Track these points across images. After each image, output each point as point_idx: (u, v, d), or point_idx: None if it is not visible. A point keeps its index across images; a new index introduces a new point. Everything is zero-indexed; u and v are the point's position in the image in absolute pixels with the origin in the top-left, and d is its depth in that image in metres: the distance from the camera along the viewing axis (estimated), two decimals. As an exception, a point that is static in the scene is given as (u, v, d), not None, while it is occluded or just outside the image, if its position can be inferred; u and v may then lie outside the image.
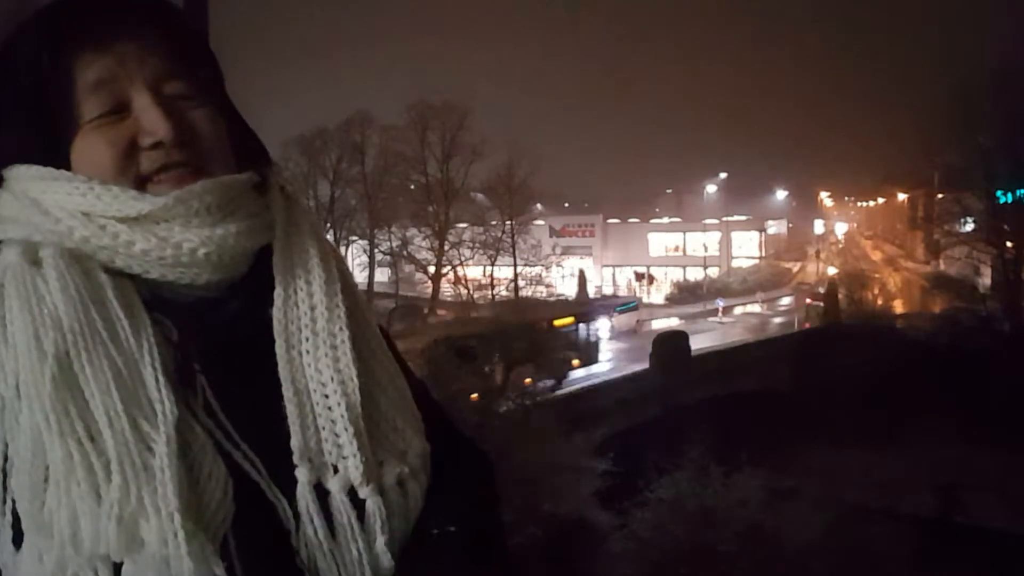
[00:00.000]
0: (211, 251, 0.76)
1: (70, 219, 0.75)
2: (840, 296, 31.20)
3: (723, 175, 58.92)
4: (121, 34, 0.77)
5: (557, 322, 23.70)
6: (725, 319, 35.23)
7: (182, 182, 0.77)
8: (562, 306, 27.54)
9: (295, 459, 0.76)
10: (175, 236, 0.75)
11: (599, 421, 18.24)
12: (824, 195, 76.92)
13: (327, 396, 0.78)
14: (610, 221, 53.82)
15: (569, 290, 38.69)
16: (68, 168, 0.77)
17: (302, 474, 0.75)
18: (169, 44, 0.80)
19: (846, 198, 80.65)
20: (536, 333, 21.78)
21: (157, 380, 0.71)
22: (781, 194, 63.02)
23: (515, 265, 34.12)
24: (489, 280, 34.26)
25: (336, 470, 0.76)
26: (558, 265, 37.44)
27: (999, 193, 26.15)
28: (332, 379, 0.79)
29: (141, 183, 0.76)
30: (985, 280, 27.66)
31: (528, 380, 19.10)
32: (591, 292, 40.54)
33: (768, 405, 20.43)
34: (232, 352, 0.79)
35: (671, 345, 23.81)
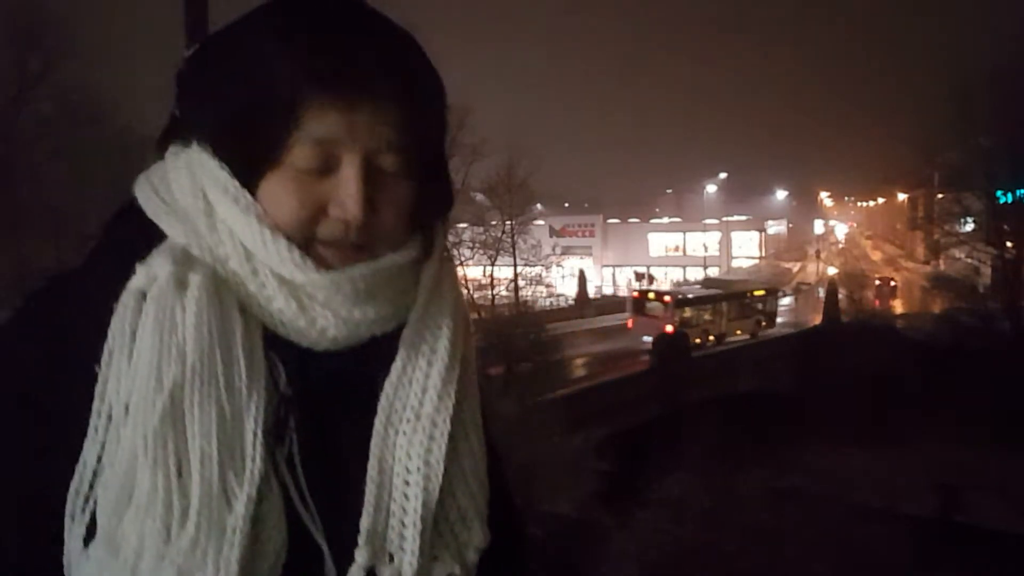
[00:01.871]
0: (340, 335, 0.77)
1: (232, 248, 0.76)
2: (840, 296, 31.22)
3: (723, 175, 58.99)
4: (364, 98, 0.74)
5: (756, 292, 29.89)
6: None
7: (345, 259, 0.77)
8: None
9: (360, 539, 0.76)
10: (313, 311, 0.76)
11: (599, 421, 18.23)
12: (824, 195, 76.94)
13: (408, 484, 0.78)
14: (610, 221, 53.88)
15: (569, 290, 38.71)
16: (253, 191, 0.76)
17: (361, 556, 0.76)
18: (405, 111, 0.77)
19: (846, 198, 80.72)
20: (536, 333, 21.90)
21: (255, 435, 0.72)
22: (781, 194, 63.07)
23: (515, 265, 34.09)
24: (489, 280, 34.23)
25: (392, 558, 0.77)
26: (558, 265, 37.39)
27: (999, 193, 26.12)
28: (418, 469, 0.78)
29: (310, 241, 0.76)
30: (985, 280, 27.64)
31: (738, 332, 27.25)
32: (591, 292, 40.53)
33: (768, 405, 20.42)
34: (330, 407, 0.79)
35: (671, 345, 23.80)
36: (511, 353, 19.34)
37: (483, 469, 0.85)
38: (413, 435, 0.79)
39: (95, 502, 0.71)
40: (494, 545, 0.85)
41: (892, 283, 39.18)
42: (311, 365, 0.78)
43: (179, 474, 0.70)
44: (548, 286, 35.54)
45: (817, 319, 31.45)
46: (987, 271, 27.74)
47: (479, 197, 36.48)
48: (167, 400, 0.70)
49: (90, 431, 0.71)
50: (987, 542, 14.54)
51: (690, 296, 28.71)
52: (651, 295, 28.38)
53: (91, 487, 0.71)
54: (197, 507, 0.69)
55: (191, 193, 0.77)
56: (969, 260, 27.99)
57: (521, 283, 34.11)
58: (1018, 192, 25.85)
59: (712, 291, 29.86)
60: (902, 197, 53.02)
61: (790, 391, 21.84)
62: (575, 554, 13.76)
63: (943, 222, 30.95)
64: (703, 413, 17.73)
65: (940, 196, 32.19)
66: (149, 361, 0.71)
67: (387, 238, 0.79)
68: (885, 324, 27.59)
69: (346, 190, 0.75)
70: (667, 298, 27.32)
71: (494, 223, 34.76)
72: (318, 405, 0.78)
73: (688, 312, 27.16)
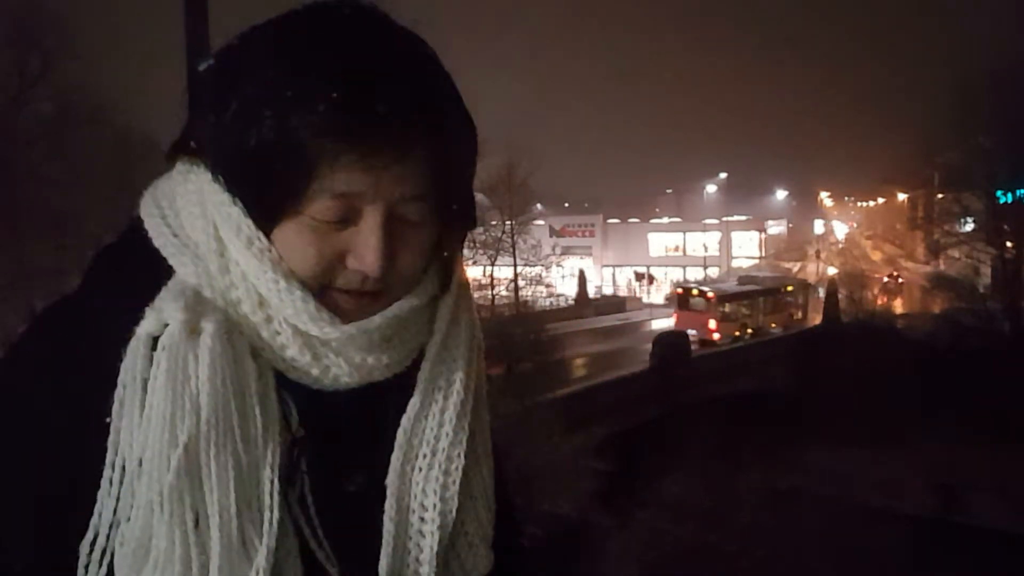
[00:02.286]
0: (353, 382, 0.76)
1: (245, 292, 0.73)
2: (840, 296, 31.21)
3: (723, 175, 59.02)
4: (390, 152, 0.70)
5: (788, 287, 32.37)
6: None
7: (362, 306, 0.75)
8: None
9: None
10: (328, 359, 0.74)
11: (599, 421, 18.23)
12: (824, 195, 76.95)
13: (424, 521, 0.78)
14: (610, 221, 53.88)
15: (569, 290, 38.71)
16: (267, 234, 0.72)
17: None
18: (433, 164, 0.73)
19: (846, 198, 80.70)
20: (536, 333, 21.92)
21: (272, 483, 0.70)
22: (781, 194, 63.06)
23: (515, 265, 34.08)
24: (489, 280, 34.22)
25: None
26: (558, 265, 37.39)
27: (999, 193, 26.12)
28: (435, 506, 0.78)
29: (324, 288, 0.74)
30: (985, 280, 27.64)
31: (773, 325, 29.11)
32: (591, 292, 40.54)
33: (768, 405, 20.41)
34: (342, 445, 0.78)
35: (671, 345, 23.81)
36: (511, 353, 19.33)
37: (492, 494, 0.85)
38: (429, 471, 0.78)
39: (111, 555, 0.69)
40: (496, 560, 0.85)
41: (899, 279, 39.57)
42: (322, 404, 0.76)
43: (196, 527, 0.68)
44: (548, 286, 35.54)
45: (817, 319, 31.45)
46: (987, 271, 27.75)
47: (479, 197, 36.42)
48: (182, 455, 0.68)
49: (103, 484, 0.69)
50: (987, 542, 14.54)
51: (731, 292, 30.19)
52: (694, 292, 29.32)
53: (108, 539, 0.69)
54: (218, 563, 0.68)
55: (202, 229, 0.74)
56: (969, 260, 27.99)
57: (521, 283, 34.10)
58: (1018, 192, 25.85)
59: (750, 287, 31.33)
60: (902, 197, 53.01)
61: (790, 391, 21.83)
62: (575, 554, 13.76)
63: (943, 222, 30.96)
64: (703, 413, 17.73)
65: (940, 196, 32.20)
66: (162, 415, 0.68)
67: (404, 283, 0.77)
68: (885, 324, 27.59)
69: (366, 243, 0.72)
70: (710, 294, 28.56)
71: (494, 223, 34.76)
72: (329, 443, 0.76)
73: (728, 307, 28.84)
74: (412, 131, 0.70)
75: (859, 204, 79.95)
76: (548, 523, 13.46)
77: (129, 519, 0.68)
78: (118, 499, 0.69)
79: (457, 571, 0.81)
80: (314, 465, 0.75)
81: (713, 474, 14.44)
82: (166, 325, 0.70)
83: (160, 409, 0.68)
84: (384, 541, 0.76)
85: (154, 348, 0.69)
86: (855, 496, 15.85)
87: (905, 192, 50.38)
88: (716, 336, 27.10)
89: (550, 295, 35.80)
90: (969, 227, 28.70)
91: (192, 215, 0.75)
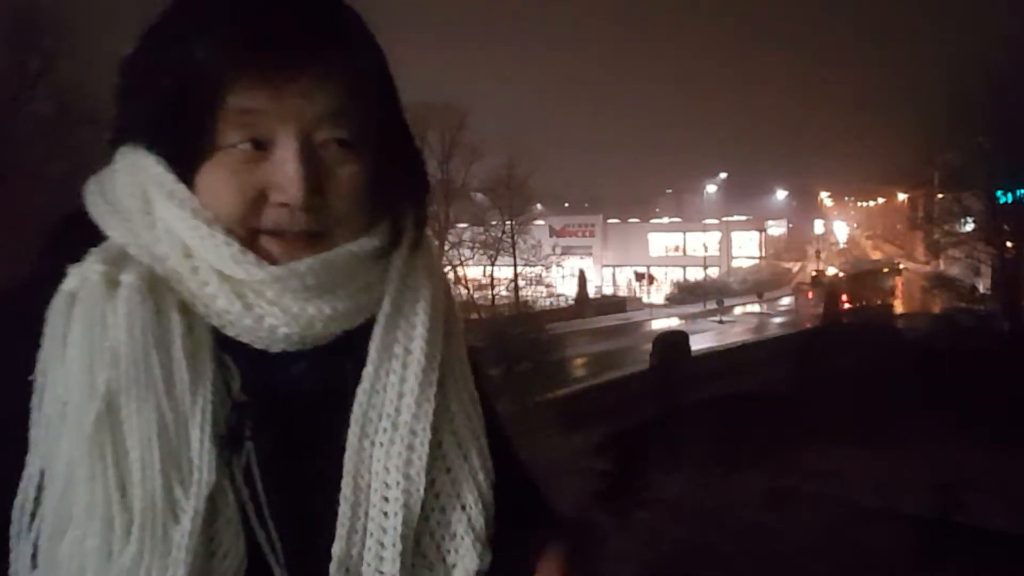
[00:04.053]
0: (292, 332, 0.71)
1: (170, 245, 0.71)
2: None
3: (723, 175, 59.01)
4: (289, 65, 0.68)
5: (885, 269, 38.35)
6: (725, 319, 35.21)
7: (294, 250, 0.71)
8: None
9: (332, 567, 0.70)
10: (260, 307, 0.70)
11: (599, 421, 18.23)
12: (824, 195, 76.94)
13: (387, 500, 0.72)
14: (610, 221, 53.89)
15: (569, 290, 38.73)
16: (190, 184, 0.71)
17: None
18: (344, 77, 0.71)
19: (846, 198, 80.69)
20: (536, 333, 21.93)
21: (202, 443, 0.67)
22: (781, 194, 63.06)
23: (515, 265, 34.08)
24: (489, 280, 34.22)
25: None
26: (558, 265, 37.41)
27: (999, 193, 26.13)
28: (398, 483, 0.72)
29: (254, 233, 0.71)
30: (985, 280, 27.64)
31: (878, 300, 33.72)
32: (591, 292, 40.56)
33: (768, 405, 20.41)
34: (294, 418, 0.72)
35: (671, 345, 23.81)
36: (511, 353, 19.34)
37: (486, 482, 0.78)
38: (391, 447, 0.72)
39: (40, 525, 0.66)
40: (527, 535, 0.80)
41: (824, 273, 42.42)
42: (273, 369, 0.72)
43: (120, 487, 0.65)
44: (548, 286, 35.57)
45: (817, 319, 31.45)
46: (987, 271, 27.75)
47: (479, 197, 36.50)
48: (101, 406, 0.65)
49: (31, 444, 0.67)
50: (987, 542, 14.54)
51: (853, 273, 37.96)
52: (828, 273, 38.73)
53: (36, 503, 0.67)
54: (140, 522, 0.65)
55: (132, 192, 0.73)
56: (969, 260, 28.00)
57: (521, 283, 34.13)
58: (1018, 192, 25.85)
59: (864, 269, 39.25)
60: (902, 197, 53.02)
61: (790, 391, 21.83)
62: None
63: (943, 222, 30.94)
64: (703, 413, 17.73)
65: (940, 196, 32.20)
66: (81, 365, 0.66)
67: (343, 225, 0.73)
68: (885, 324, 27.59)
69: (283, 170, 0.69)
70: (841, 275, 36.61)
71: (494, 223, 34.77)
72: (283, 413, 0.71)
73: (852, 285, 35.66)
74: (311, 41, 0.69)
75: (859, 204, 79.91)
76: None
77: (52, 480, 0.66)
78: (43, 456, 0.67)
79: (436, 563, 0.74)
80: (264, 435, 0.70)
81: (713, 474, 14.44)
82: (86, 281, 0.69)
83: (78, 360, 0.66)
84: (339, 523, 0.71)
85: None
86: (855, 496, 15.84)
87: (905, 192, 50.40)
88: (847, 305, 33.25)
89: (550, 295, 35.83)
90: (969, 227, 28.70)
91: (124, 183, 0.74)
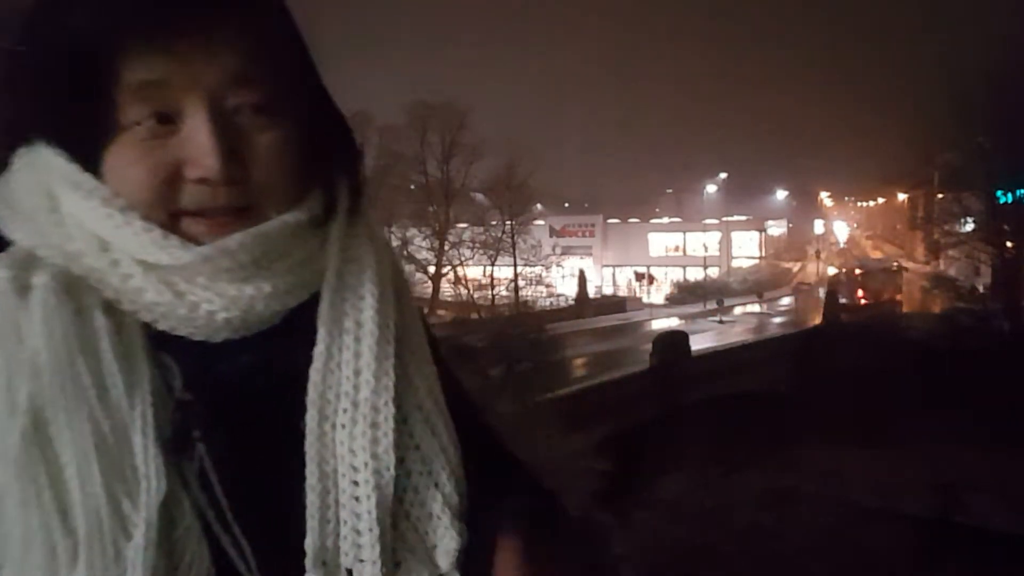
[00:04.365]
0: (232, 317, 0.65)
1: (84, 242, 0.65)
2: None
3: (723, 175, 58.97)
4: (188, 27, 0.63)
5: (894, 268, 40.08)
6: (725, 319, 35.23)
7: (221, 228, 0.65)
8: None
9: (308, 563, 0.65)
10: (194, 294, 0.65)
11: (599, 421, 18.23)
12: (824, 195, 76.95)
13: (356, 484, 0.67)
14: (610, 221, 53.90)
15: (569, 290, 38.74)
16: (96, 173, 0.65)
17: None
18: (248, 37, 0.65)
19: (846, 198, 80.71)
20: (536, 333, 21.95)
21: (147, 449, 0.61)
22: (781, 194, 63.06)
23: (515, 265, 34.09)
24: (489, 280, 34.22)
25: (350, 574, 0.66)
26: (558, 265, 37.43)
27: (999, 193, 26.15)
28: (366, 464, 0.67)
29: (175, 216, 0.65)
30: (985, 280, 27.66)
31: (885, 296, 35.26)
32: (591, 292, 40.57)
33: (768, 405, 20.42)
34: (247, 411, 0.67)
35: (671, 345, 23.81)
36: (511, 353, 19.35)
37: (454, 457, 0.73)
38: (353, 427, 0.67)
39: None
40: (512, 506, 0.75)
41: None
42: (217, 362, 0.66)
43: (61, 513, 0.59)
44: (548, 286, 35.59)
45: (817, 319, 31.46)
46: (987, 271, 27.77)
47: (479, 197, 36.51)
48: (26, 423, 0.59)
49: None
50: (987, 542, 14.54)
51: (870, 272, 40.13)
52: (845, 269, 42.13)
53: None
54: (87, 542, 0.59)
55: (33, 191, 0.66)
56: (969, 260, 28.02)
57: (521, 283, 34.13)
58: (1018, 192, 25.88)
59: (876, 268, 41.43)
60: (902, 197, 53.04)
61: (790, 391, 21.84)
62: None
63: (943, 222, 30.99)
64: (703, 413, 17.73)
65: (940, 196, 32.24)
66: None
67: (271, 197, 0.67)
68: (885, 324, 27.60)
69: (195, 141, 0.63)
70: (858, 272, 39.13)
71: (494, 223, 34.78)
72: (234, 407, 0.66)
73: (870, 281, 38.07)
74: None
75: (859, 204, 79.92)
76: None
77: None
78: None
79: (416, 544, 0.70)
80: (215, 434, 0.65)
81: (712, 474, 14.44)
82: None
83: None
84: (308, 515, 0.66)
85: None
86: (855, 496, 15.85)
87: (905, 192, 50.42)
88: (864, 301, 35.17)
89: (550, 295, 35.85)
90: (969, 227, 28.72)
91: (24, 183, 0.67)
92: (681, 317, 35.49)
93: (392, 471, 0.68)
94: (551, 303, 35.61)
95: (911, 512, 15.63)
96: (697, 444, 14.70)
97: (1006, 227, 26.02)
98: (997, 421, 18.16)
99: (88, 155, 0.65)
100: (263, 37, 0.66)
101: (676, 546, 13.64)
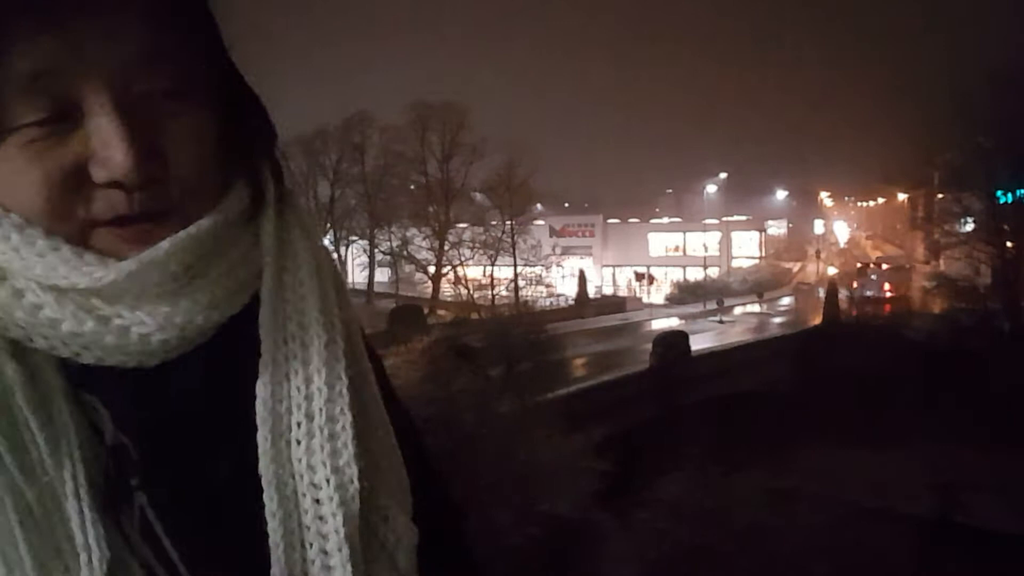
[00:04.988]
0: (169, 337, 0.56)
1: None
2: (840, 296, 31.31)
3: (723, 175, 58.91)
4: (83, 3, 0.52)
5: (903, 266, 41.20)
6: (725, 319, 35.25)
7: (142, 239, 0.55)
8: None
9: None
10: (121, 317, 0.55)
11: (599, 421, 18.23)
12: (824, 195, 76.94)
13: (319, 502, 0.60)
14: (610, 221, 53.89)
15: (569, 290, 38.75)
16: None
17: None
18: (152, 12, 0.55)
19: (846, 198, 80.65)
20: (536, 333, 21.96)
21: (83, 514, 0.53)
22: (781, 194, 63.04)
23: (515, 265, 34.12)
24: (489, 280, 34.25)
25: None
26: (558, 265, 37.49)
27: (999, 193, 26.16)
28: (328, 481, 0.60)
29: (84, 229, 0.55)
30: (985, 280, 27.66)
31: (900, 289, 36.19)
32: (591, 292, 40.59)
33: (768, 405, 20.43)
34: (188, 443, 0.58)
35: (671, 345, 23.82)
36: (511, 353, 19.35)
37: (396, 455, 0.68)
38: (310, 440, 0.60)
39: None
40: (429, 531, 0.68)
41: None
42: (149, 391, 0.58)
43: None
44: (548, 286, 35.62)
45: (817, 319, 31.48)
46: (987, 271, 27.78)
47: (479, 197, 36.53)
48: None
49: None
50: (987, 543, 14.54)
51: (893, 267, 41.12)
52: (872, 264, 42.82)
53: None
54: None
55: None
56: (969, 260, 28.03)
57: (521, 283, 34.17)
58: (1018, 192, 25.89)
59: (895, 264, 42.63)
60: (902, 197, 53.04)
61: (790, 391, 21.84)
62: (574, 554, 13.76)
63: (943, 222, 31.00)
64: (703, 413, 17.73)
65: (940, 196, 32.24)
66: None
67: (194, 194, 0.57)
68: (885, 324, 27.63)
69: (100, 136, 0.53)
70: (885, 267, 40.66)
71: (494, 223, 34.80)
72: (174, 441, 0.58)
73: (893, 276, 39.05)
74: None
75: (859, 204, 79.93)
76: (548, 523, 13.47)
77: None
78: None
79: (379, 552, 0.64)
80: (153, 476, 0.57)
81: (712, 474, 14.44)
82: None
83: None
84: (272, 544, 0.58)
85: None
86: (854, 496, 15.85)
87: (905, 192, 50.41)
88: (889, 293, 36.23)
89: (550, 295, 35.88)
90: (969, 227, 28.73)
91: None
92: (681, 317, 35.50)
93: (356, 483, 0.61)
94: (551, 303, 35.63)
95: (911, 512, 15.63)
96: (697, 444, 14.70)
97: (1006, 227, 26.04)
98: (997, 421, 18.16)
99: None
100: (168, 11, 0.56)
101: (676, 546, 13.64)
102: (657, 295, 44.59)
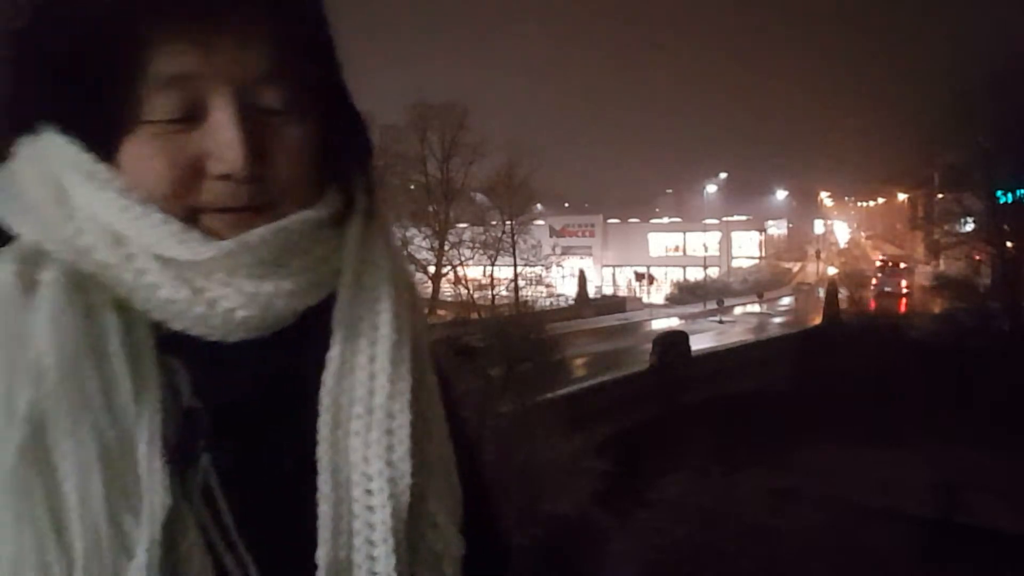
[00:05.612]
0: (252, 315, 0.62)
1: (95, 235, 0.61)
2: (840, 296, 31.30)
3: (723, 175, 58.92)
4: (218, 18, 0.60)
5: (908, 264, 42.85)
6: (725, 319, 35.24)
7: (240, 226, 0.62)
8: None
9: (320, 574, 0.63)
10: (212, 290, 0.61)
11: (599, 421, 18.24)
12: (824, 195, 76.93)
13: (370, 493, 0.64)
14: (610, 221, 53.88)
15: (569, 290, 38.75)
16: (111, 165, 0.62)
17: None
18: (278, 31, 0.62)
19: (846, 198, 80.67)
20: (536, 333, 21.92)
21: (151, 463, 0.57)
22: (781, 194, 63.00)
23: (515, 265, 34.09)
24: (489, 280, 34.23)
25: None
26: (558, 265, 37.44)
27: (999, 193, 26.16)
28: (381, 473, 0.64)
29: (194, 212, 0.62)
30: (985, 280, 27.66)
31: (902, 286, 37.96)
32: (591, 292, 40.59)
33: (768, 405, 20.42)
34: (255, 418, 0.63)
35: (671, 345, 23.83)
36: (511, 353, 19.34)
37: (451, 465, 0.72)
38: (368, 433, 0.65)
39: None
40: (472, 552, 0.71)
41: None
42: (226, 366, 0.63)
43: (55, 527, 0.54)
44: (548, 286, 35.59)
45: (817, 319, 31.48)
46: (987, 271, 27.77)
47: (479, 197, 36.50)
48: (25, 431, 0.54)
49: None
50: (987, 542, 14.54)
51: (906, 266, 42.21)
52: (890, 263, 43.27)
53: None
54: (84, 564, 0.55)
55: (40, 182, 0.62)
56: (969, 260, 28.03)
57: (521, 283, 34.14)
58: (1018, 192, 25.88)
59: (901, 261, 44.15)
60: (902, 197, 53.06)
61: (790, 391, 21.85)
62: (575, 554, 13.76)
63: (943, 222, 31.00)
64: (703, 413, 17.73)
65: (940, 196, 32.25)
66: None
67: (290, 195, 0.64)
68: (885, 324, 27.62)
69: (221, 136, 0.61)
70: (903, 266, 41.59)
71: (494, 223, 34.77)
72: (243, 414, 0.63)
73: (904, 274, 40.33)
74: None
75: (859, 204, 79.91)
76: (548, 523, 13.48)
77: None
78: None
79: (426, 555, 0.68)
80: (221, 443, 0.61)
81: (713, 474, 14.44)
82: None
83: None
84: (321, 526, 0.63)
85: None
86: (854, 496, 15.85)
87: (905, 192, 50.44)
88: (905, 289, 37.34)
89: (550, 295, 35.85)
90: (969, 227, 28.73)
91: (29, 173, 0.63)
92: (681, 317, 35.50)
93: (408, 479, 0.65)
94: (551, 303, 35.60)
95: (912, 512, 15.63)
96: (697, 444, 14.70)
97: (1006, 227, 26.02)
98: (998, 421, 18.16)
99: (103, 146, 0.61)
100: (296, 31, 0.64)
101: (676, 546, 13.64)
102: (657, 295, 44.59)
